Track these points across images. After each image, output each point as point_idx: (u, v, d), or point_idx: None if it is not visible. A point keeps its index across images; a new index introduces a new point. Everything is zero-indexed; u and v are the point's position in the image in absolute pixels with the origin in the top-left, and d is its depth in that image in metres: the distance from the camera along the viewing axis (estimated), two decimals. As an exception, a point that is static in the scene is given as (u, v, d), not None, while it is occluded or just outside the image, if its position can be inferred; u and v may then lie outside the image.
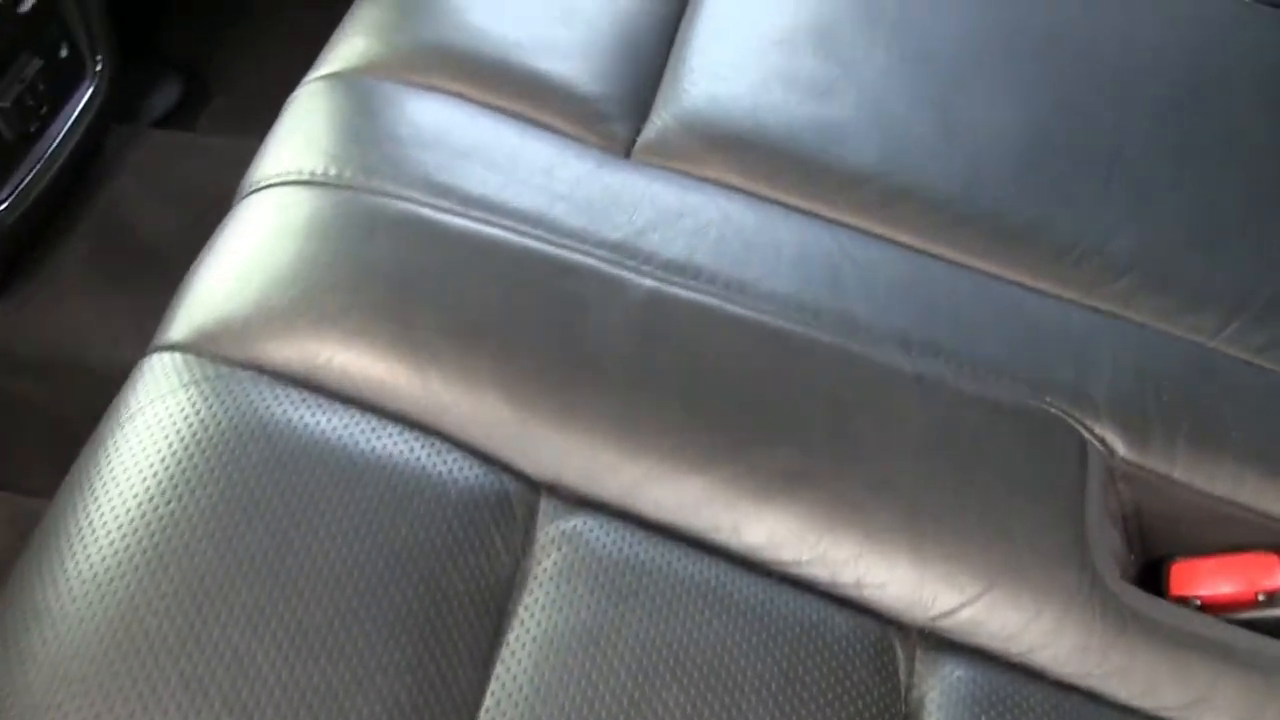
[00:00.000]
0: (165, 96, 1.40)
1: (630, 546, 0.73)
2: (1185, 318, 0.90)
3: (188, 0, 1.45)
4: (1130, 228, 0.93)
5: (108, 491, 0.68)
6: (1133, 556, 0.84)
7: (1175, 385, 0.86)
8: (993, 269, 0.89)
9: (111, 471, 0.69)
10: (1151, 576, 0.85)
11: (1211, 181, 0.99)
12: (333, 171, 0.81)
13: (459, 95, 0.87)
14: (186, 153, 1.35)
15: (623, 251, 0.81)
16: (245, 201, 0.82)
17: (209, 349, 0.75)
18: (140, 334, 1.20)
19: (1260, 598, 0.83)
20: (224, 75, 1.43)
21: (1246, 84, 1.06)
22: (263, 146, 0.86)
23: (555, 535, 0.73)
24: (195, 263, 0.80)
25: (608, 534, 0.74)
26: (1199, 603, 0.82)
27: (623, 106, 0.90)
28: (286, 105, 0.88)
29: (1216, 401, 0.87)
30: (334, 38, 0.92)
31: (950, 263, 0.88)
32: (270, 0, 1.48)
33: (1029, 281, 0.89)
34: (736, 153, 0.89)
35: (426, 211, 0.79)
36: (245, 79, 1.44)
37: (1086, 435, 0.82)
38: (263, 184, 0.82)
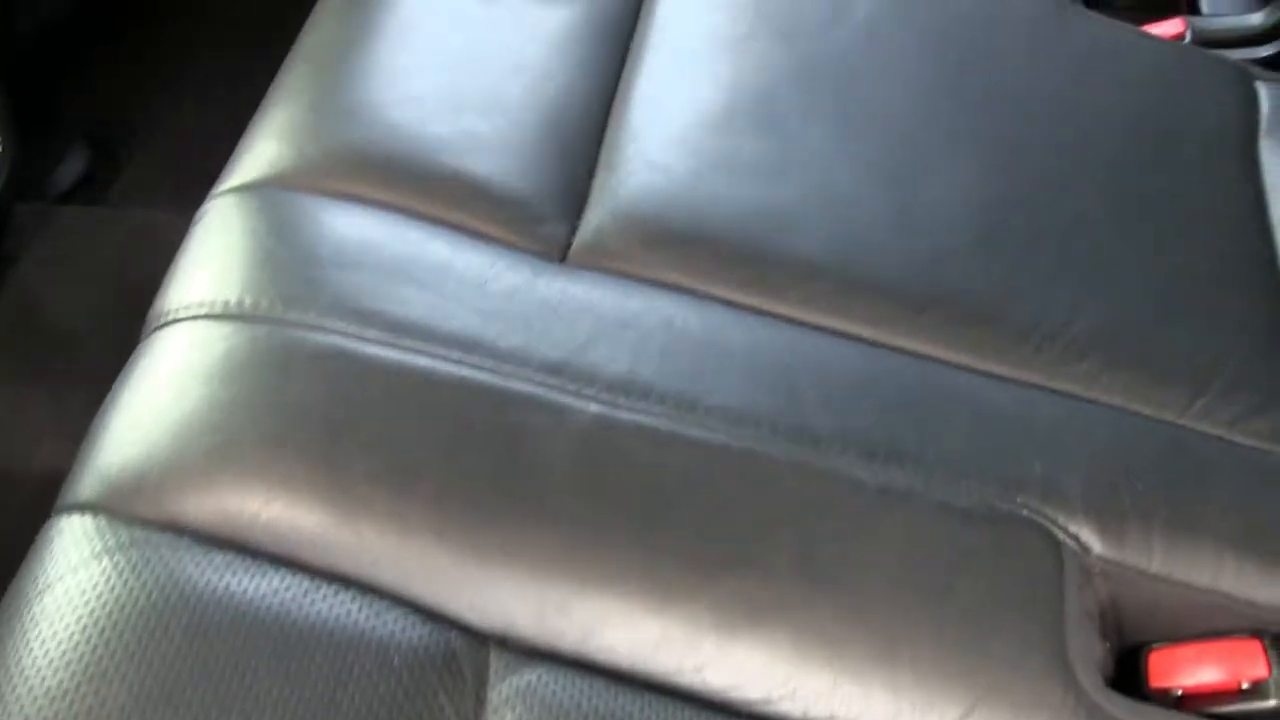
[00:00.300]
0: (71, 168, 1.34)
1: (589, 699, 0.68)
2: (1153, 395, 0.87)
3: (88, 63, 1.38)
4: (1092, 302, 0.89)
5: (15, 689, 0.62)
6: (1109, 645, 0.81)
7: (1148, 471, 0.82)
8: (954, 358, 0.85)
9: (19, 664, 0.63)
10: (1129, 663, 0.82)
11: (1170, 243, 0.96)
12: (248, 302, 0.75)
13: (381, 204, 0.81)
14: (97, 229, 1.29)
15: (564, 374, 0.75)
16: (154, 337, 0.76)
17: (123, 509, 0.69)
18: (59, 426, 1.14)
19: (1244, 686, 0.80)
20: (132, 142, 1.37)
21: (1196, 135, 1.03)
22: (170, 271, 0.80)
23: (509, 694, 0.68)
24: (102, 409, 0.74)
25: (564, 688, 0.69)
26: (1180, 693, 0.80)
27: (556, 205, 0.85)
28: (194, 222, 0.82)
29: (1190, 484, 0.83)
30: (243, 143, 0.85)
31: (909, 354, 0.84)
32: (178, 60, 1.42)
33: (992, 369, 0.85)
34: (679, 250, 0.84)
35: (351, 344, 0.74)
36: (156, 145, 1.38)
37: (1061, 535, 0.78)
38: (171, 318, 0.76)
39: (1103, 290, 0.90)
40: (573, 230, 0.84)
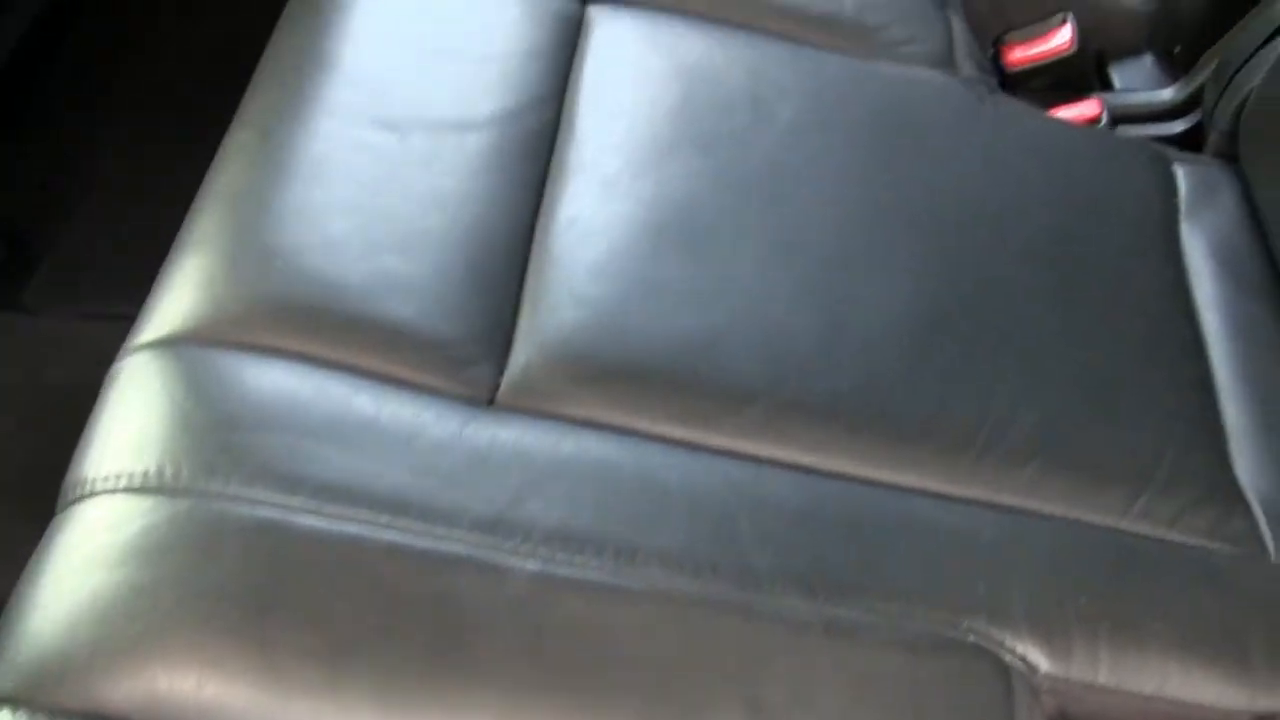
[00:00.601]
0: (-17, 266, 1.29)
1: None
2: (1094, 499, 0.86)
3: (1, 156, 1.34)
4: (1029, 402, 0.89)
5: None
6: (1058, 744, 0.80)
7: (1092, 581, 0.82)
8: (894, 479, 0.83)
9: None
10: (1081, 764, 0.82)
11: (1098, 332, 0.96)
12: (167, 474, 0.72)
13: (302, 356, 0.79)
14: (11, 334, 1.24)
15: (499, 531, 0.73)
16: (69, 512, 0.73)
17: (45, 701, 0.66)
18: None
19: (1192, 784, 0.81)
20: (51, 240, 1.32)
21: (1117, 221, 1.03)
22: (84, 436, 0.77)
23: None
24: (17, 591, 0.71)
25: None
26: (1130, 795, 0.80)
27: (482, 345, 0.83)
28: (107, 382, 0.79)
29: (1134, 591, 0.83)
30: (154, 294, 0.82)
31: (847, 479, 0.82)
32: (97, 152, 1.37)
33: (932, 486, 0.84)
34: (609, 386, 0.82)
35: (276, 514, 0.71)
36: (75, 243, 1.33)
37: (1008, 658, 0.77)
38: (88, 490, 0.73)
39: (1039, 384, 0.90)
40: (500, 371, 0.82)
